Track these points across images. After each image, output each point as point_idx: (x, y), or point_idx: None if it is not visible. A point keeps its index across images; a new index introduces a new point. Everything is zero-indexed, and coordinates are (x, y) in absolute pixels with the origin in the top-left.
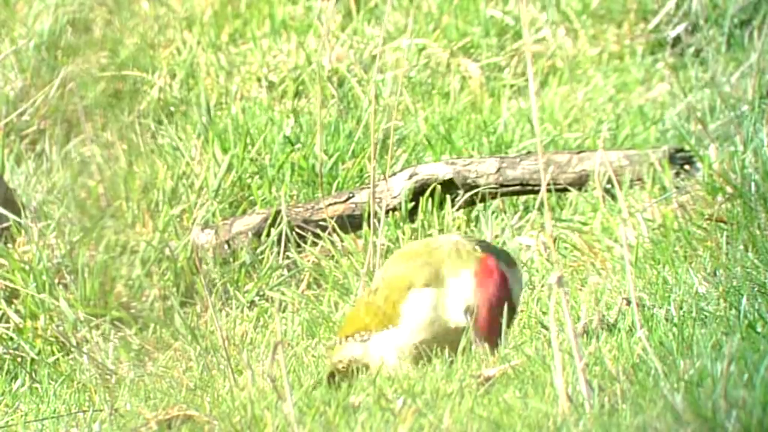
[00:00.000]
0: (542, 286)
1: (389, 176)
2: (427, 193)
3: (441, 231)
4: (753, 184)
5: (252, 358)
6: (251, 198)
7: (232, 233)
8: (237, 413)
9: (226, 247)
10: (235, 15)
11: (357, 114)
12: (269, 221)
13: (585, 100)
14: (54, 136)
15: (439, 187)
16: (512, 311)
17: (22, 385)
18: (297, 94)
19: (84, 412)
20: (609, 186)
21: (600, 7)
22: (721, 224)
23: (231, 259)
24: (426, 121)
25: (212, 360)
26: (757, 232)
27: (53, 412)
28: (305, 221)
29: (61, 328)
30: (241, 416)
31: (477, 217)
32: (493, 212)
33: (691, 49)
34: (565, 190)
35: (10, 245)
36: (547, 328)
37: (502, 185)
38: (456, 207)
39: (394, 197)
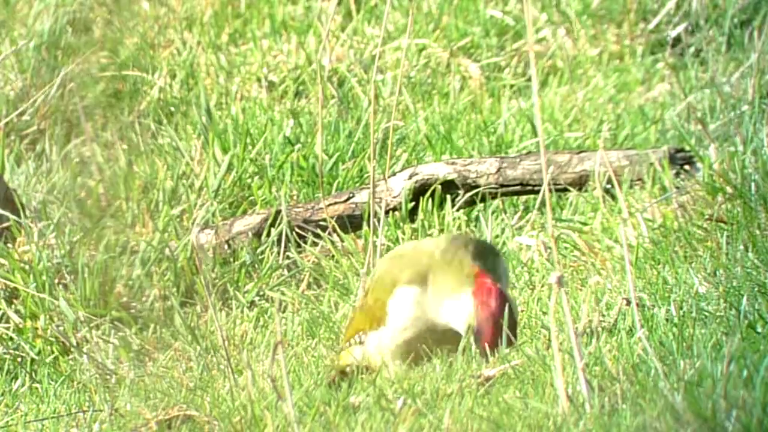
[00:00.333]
0: (542, 286)
1: (389, 176)
2: (428, 193)
3: (441, 231)
4: (753, 184)
5: (252, 358)
6: (251, 198)
7: (232, 233)
8: (237, 413)
9: (226, 247)
10: (235, 15)
11: (357, 114)
12: (269, 221)
13: (585, 100)
14: (54, 136)
15: (439, 187)
16: (514, 324)
17: (22, 385)
18: (297, 94)
19: (84, 412)
20: (609, 186)
21: (600, 7)
22: (722, 224)
23: (231, 259)
24: (426, 121)
25: (212, 360)
26: (758, 232)
27: (53, 412)
28: (305, 221)
29: (61, 328)
30: (241, 416)
31: (477, 217)
32: (493, 212)
33: (692, 49)
34: (565, 190)
35: (10, 245)
36: (547, 328)
37: (502, 185)
38: (456, 207)
39: (394, 197)
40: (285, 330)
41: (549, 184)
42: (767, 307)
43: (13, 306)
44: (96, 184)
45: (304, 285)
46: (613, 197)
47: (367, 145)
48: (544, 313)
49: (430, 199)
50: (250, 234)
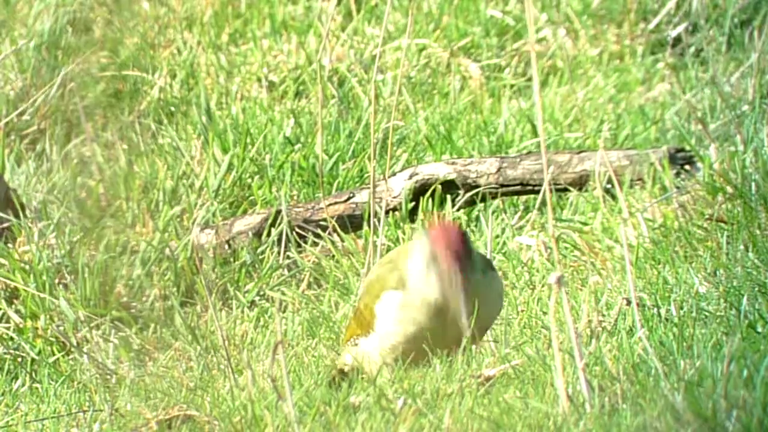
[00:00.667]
0: (542, 286)
1: (389, 176)
2: (428, 193)
3: None
4: (753, 184)
5: (252, 358)
6: (251, 198)
7: (232, 233)
8: (237, 413)
9: (226, 247)
10: (236, 15)
11: (357, 114)
12: (269, 221)
13: (585, 100)
14: (54, 136)
15: (439, 187)
16: (469, 247)
17: (23, 385)
18: (297, 94)
19: (84, 412)
20: (609, 186)
21: (600, 7)
22: (722, 224)
23: (231, 259)
24: (426, 121)
25: (212, 360)
26: (758, 232)
27: (53, 412)
28: (305, 221)
29: (61, 328)
30: (242, 416)
31: (477, 217)
32: (493, 212)
33: (692, 49)
34: (565, 190)
35: (10, 245)
36: (547, 328)
37: (502, 185)
38: (456, 207)
39: (395, 197)
40: (285, 330)
41: (549, 184)
42: (767, 307)
43: (13, 306)
44: (96, 184)
45: (304, 285)
46: (614, 197)
47: (367, 145)
48: (544, 313)
49: (430, 199)
50: (250, 234)
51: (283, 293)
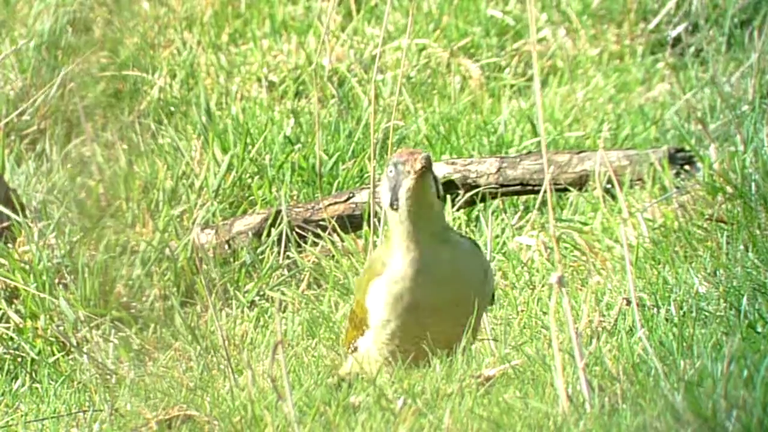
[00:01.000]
0: (542, 286)
1: None
2: None
3: None
4: (753, 184)
5: (252, 358)
6: (251, 198)
7: (232, 233)
8: (237, 413)
9: (226, 247)
10: (236, 15)
11: (357, 114)
12: (269, 221)
13: (585, 100)
14: (54, 136)
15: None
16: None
17: (23, 385)
18: (297, 94)
19: (84, 412)
20: (609, 186)
21: (600, 7)
22: (722, 224)
23: (231, 259)
24: (426, 121)
25: (212, 360)
26: (758, 232)
27: (53, 412)
28: (305, 221)
29: (61, 328)
30: (242, 416)
31: (477, 217)
32: (493, 212)
33: (692, 49)
34: (565, 190)
35: (10, 245)
36: (547, 328)
37: (502, 185)
38: (456, 207)
39: None
40: (285, 330)
41: (549, 184)
42: (767, 307)
43: (13, 306)
44: (96, 184)
45: (304, 285)
46: (614, 197)
47: (367, 145)
48: (544, 313)
49: None
50: (250, 234)
51: (283, 293)
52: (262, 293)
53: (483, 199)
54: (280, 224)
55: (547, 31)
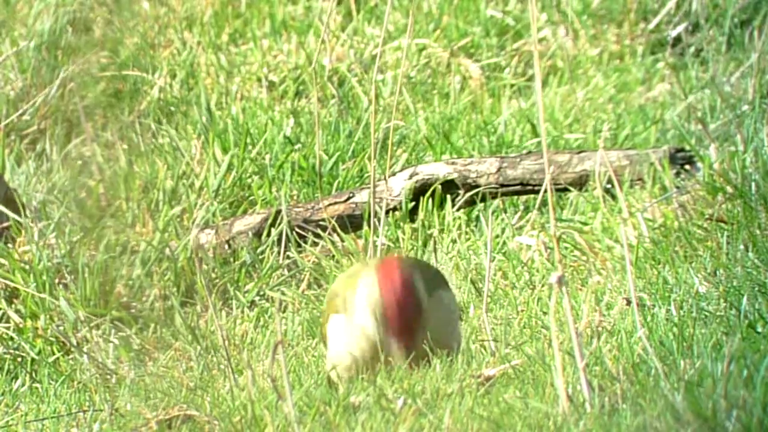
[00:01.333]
0: (542, 286)
1: (389, 176)
2: (428, 193)
3: (441, 231)
4: (753, 184)
5: (252, 358)
6: (251, 198)
7: (232, 233)
8: (237, 413)
9: (226, 246)
10: (236, 15)
11: (357, 114)
12: (269, 221)
13: (585, 100)
14: (54, 136)
15: (439, 186)
16: (419, 310)
17: (23, 385)
18: (297, 94)
19: (84, 412)
20: (609, 186)
21: (600, 7)
22: (722, 224)
23: (231, 259)
24: (426, 121)
25: (212, 360)
26: (758, 231)
27: (53, 412)
28: (305, 221)
29: (61, 328)
30: (242, 416)
31: (477, 217)
32: (493, 212)
33: (692, 49)
34: (565, 190)
35: (10, 245)
36: (547, 328)
37: (502, 185)
38: (456, 207)
39: (395, 197)
40: (285, 330)
41: (549, 184)
42: (767, 307)
43: (13, 306)
44: (96, 184)
45: (304, 285)
46: (614, 197)
47: (367, 145)
48: (545, 313)
49: (430, 199)
50: (250, 234)
51: (283, 293)
52: (262, 293)
53: (483, 199)
54: (280, 224)
55: (547, 31)
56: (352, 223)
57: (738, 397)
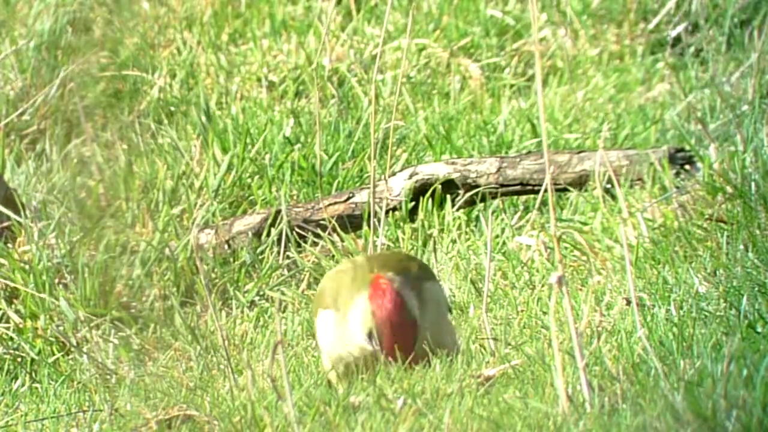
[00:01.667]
0: (542, 286)
1: (389, 176)
2: (428, 193)
3: (441, 231)
4: (753, 183)
5: (252, 358)
6: (251, 198)
7: (232, 233)
8: (237, 413)
9: (226, 246)
10: (235, 15)
11: (357, 114)
12: (269, 221)
13: (585, 100)
14: (54, 136)
15: (439, 186)
16: (414, 329)
17: (22, 385)
18: (297, 94)
19: (84, 412)
20: (609, 186)
21: (600, 7)
22: (722, 224)
23: (231, 259)
24: (426, 121)
25: (212, 360)
26: (758, 232)
27: (53, 412)
28: (305, 221)
29: (61, 328)
30: (242, 416)
31: (477, 217)
32: (493, 212)
33: (692, 49)
34: (565, 190)
35: (10, 245)
36: (547, 328)
37: (502, 185)
38: (456, 207)
39: (394, 197)
40: (285, 330)
41: (550, 184)
42: (767, 307)
43: (13, 306)
44: (96, 184)
45: (304, 285)
46: (613, 197)
47: (367, 145)
48: (545, 313)
49: (430, 199)
50: (250, 234)
51: (283, 293)
52: (262, 293)
53: (483, 199)
54: (280, 224)
55: (547, 31)
56: (352, 223)
57: (738, 397)
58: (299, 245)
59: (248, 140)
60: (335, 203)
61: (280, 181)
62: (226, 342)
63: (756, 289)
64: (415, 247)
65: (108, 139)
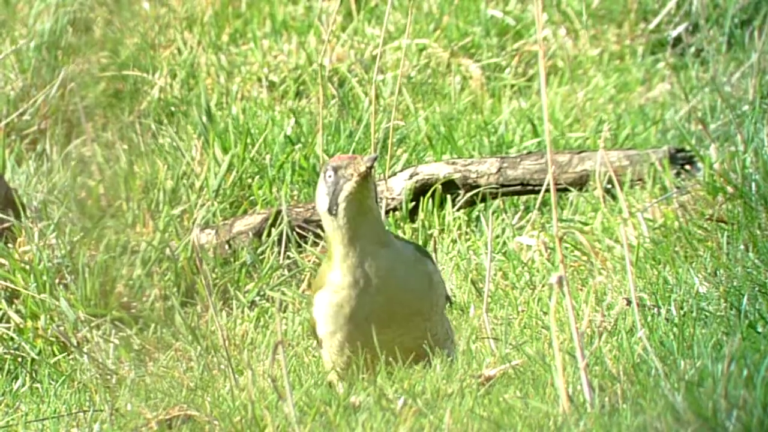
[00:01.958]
0: (542, 286)
1: (390, 176)
2: (428, 193)
3: (441, 231)
4: (753, 184)
5: (252, 358)
6: (252, 198)
7: (232, 233)
8: (237, 413)
9: (226, 247)
10: (236, 15)
11: (357, 114)
12: (270, 221)
13: (586, 100)
14: (54, 136)
15: (439, 186)
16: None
17: (23, 385)
18: (298, 94)
19: (84, 412)
20: (609, 186)
21: (600, 7)
22: (722, 224)
23: (231, 259)
24: (426, 121)
25: (213, 360)
26: (758, 232)
27: (54, 412)
28: (306, 221)
29: (61, 328)
30: (242, 416)
31: (477, 217)
32: (493, 212)
33: (692, 49)
34: (565, 190)
35: (10, 245)
36: (547, 328)
37: (502, 185)
38: (456, 207)
39: (395, 197)
40: (285, 330)
41: (552, 184)
42: (767, 307)
43: (13, 306)
44: (96, 184)
45: (304, 285)
46: (614, 197)
47: (367, 145)
48: (545, 313)
49: (430, 199)
50: (250, 234)
51: (284, 293)
52: (262, 293)
53: (483, 199)
54: (280, 224)
55: (547, 31)
56: None
57: (738, 397)
58: (300, 245)
59: (249, 140)
60: None
61: (280, 181)
62: (227, 342)
63: (756, 289)
64: None
65: (108, 140)
